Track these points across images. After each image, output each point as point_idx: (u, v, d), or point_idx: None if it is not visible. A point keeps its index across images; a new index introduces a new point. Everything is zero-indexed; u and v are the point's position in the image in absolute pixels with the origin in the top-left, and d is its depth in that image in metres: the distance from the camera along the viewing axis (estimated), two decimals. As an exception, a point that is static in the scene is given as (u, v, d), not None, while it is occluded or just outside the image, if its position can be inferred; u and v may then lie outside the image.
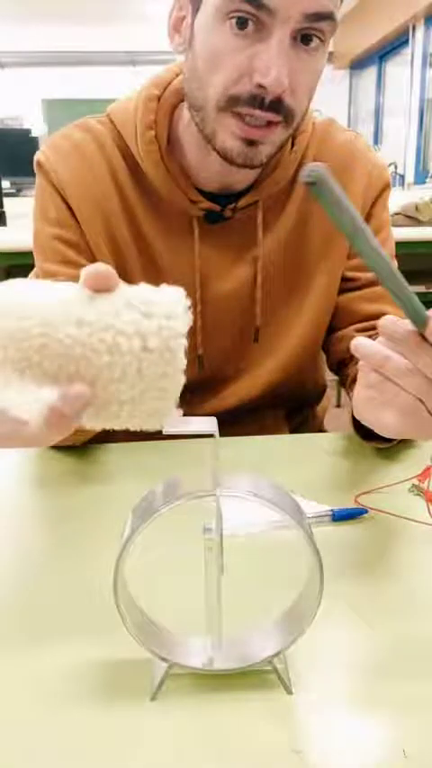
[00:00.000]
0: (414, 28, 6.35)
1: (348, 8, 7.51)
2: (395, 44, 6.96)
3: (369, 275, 0.88)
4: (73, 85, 7.93)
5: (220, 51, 0.66)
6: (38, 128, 6.34)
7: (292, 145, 0.81)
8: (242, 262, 0.84)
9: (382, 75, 7.68)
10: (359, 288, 0.88)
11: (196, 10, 0.68)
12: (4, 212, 3.61)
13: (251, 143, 0.69)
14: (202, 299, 0.83)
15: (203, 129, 0.72)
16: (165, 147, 0.78)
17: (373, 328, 0.87)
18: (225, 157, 0.71)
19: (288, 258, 0.85)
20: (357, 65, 8.20)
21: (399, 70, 7.05)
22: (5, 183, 3.80)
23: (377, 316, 0.87)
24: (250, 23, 0.64)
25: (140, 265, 0.83)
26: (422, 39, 6.28)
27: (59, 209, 0.82)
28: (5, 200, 3.62)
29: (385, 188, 0.87)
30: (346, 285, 0.89)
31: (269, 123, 0.68)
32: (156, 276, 0.82)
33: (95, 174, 0.81)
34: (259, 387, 0.90)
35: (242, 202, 0.80)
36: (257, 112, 0.67)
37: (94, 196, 0.81)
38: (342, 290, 0.89)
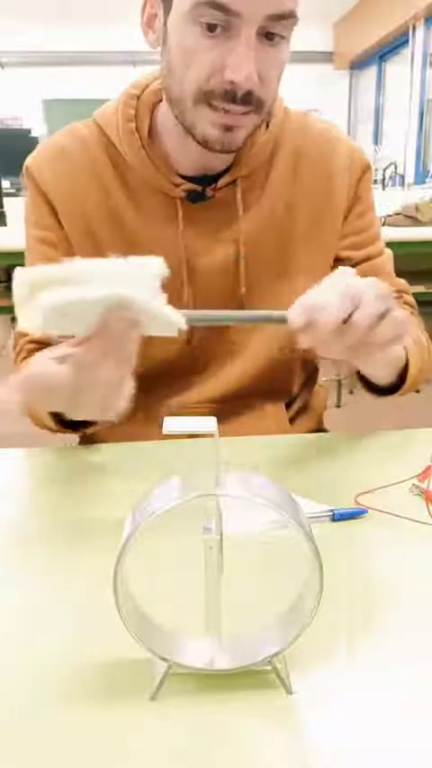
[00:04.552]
0: (414, 28, 6.35)
1: (348, 8, 7.52)
2: (395, 44, 6.96)
3: (361, 253, 0.91)
4: (73, 85, 7.92)
5: (193, 51, 0.71)
6: (38, 128, 6.35)
7: (267, 126, 0.85)
8: (225, 239, 0.86)
9: (382, 75, 7.68)
10: (353, 266, 0.90)
11: (168, 10, 0.72)
12: (4, 212, 3.61)
13: (228, 129, 0.74)
14: (189, 279, 0.86)
15: (183, 121, 0.77)
16: (145, 138, 0.83)
17: None
18: (205, 145, 0.76)
19: (273, 238, 0.87)
20: (357, 65, 8.19)
21: (399, 70, 7.05)
22: (5, 183, 3.82)
23: None
24: (219, 27, 0.69)
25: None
26: (422, 39, 6.28)
27: (43, 212, 0.86)
28: (5, 200, 3.63)
29: (366, 169, 0.91)
30: (341, 265, 0.90)
31: (243, 112, 0.73)
32: None
33: (79, 175, 0.85)
34: (252, 368, 0.91)
35: (221, 182, 0.84)
36: (231, 106, 0.72)
37: (76, 197, 0.85)
38: None
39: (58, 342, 0.86)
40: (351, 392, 3.20)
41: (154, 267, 0.54)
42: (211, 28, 0.68)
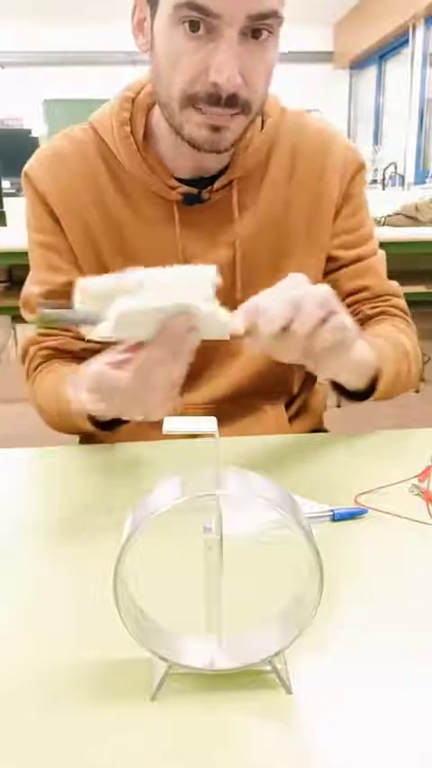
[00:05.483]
0: (414, 28, 6.35)
1: (348, 8, 7.52)
2: (395, 44, 6.96)
3: (352, 253, 0.92)
4: (73, 85, 7.92)
5: (177, 53, 0.71)
6: (38, 128, 6.35)
7: (262, 126, 0.85)
8: (222, 241, 0.87)
9: (382, 75, 7.68)
10: (343, 266, 0.92)
11: (154, 14, 0.73)
12: (4, 212, 3.62)
13: (216, 129, 0.74)
14: None
15: (172, 123, 0.77)
16: (140, 142, 0.83)
17: (355, 303, 0.92)
18: (193, 145, 0.76)
19: (269, 239, 0.87)
20: (357, 65, 8.19)
21: (399, 70, 7.05)
22: (5, 183, 3.82)
23: (358, 290, 0.91)
24: (201, 26, 0.69)
25: (120, 264, 0.85)
26: (422, 39, 6.28)
27: (42, 216, 0.87)
28: (5, 200, 3.63)
29: (359, 168, 0.91)
30: (332, 265, 0.92)
31: (229, 115, 0.73)
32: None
33: (76, 180, 0.85)
34: (252, 368, 0.91)
35: (217, 184, 0.84)
36: (217, 109, 0.72)
37: (74, 202, 0.86)
38: (328, 270, 0.92)
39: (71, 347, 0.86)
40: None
41: (209, 274, 0.57)
42: (193, 29, 0.68)
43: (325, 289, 0.61)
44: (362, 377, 0.79)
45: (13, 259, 2.64)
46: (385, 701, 0.43)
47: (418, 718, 0.41)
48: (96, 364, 0.63)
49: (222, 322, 0.58)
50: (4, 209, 3.60)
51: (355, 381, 0.79)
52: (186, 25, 0.69)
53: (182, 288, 0.57)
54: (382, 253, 0.95)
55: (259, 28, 0.69)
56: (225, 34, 0.68)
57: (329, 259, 0.91)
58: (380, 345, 0.81)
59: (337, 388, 0.82)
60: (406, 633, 0.49)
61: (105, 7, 6.63)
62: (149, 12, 0.73)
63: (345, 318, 0.62)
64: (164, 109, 0.77)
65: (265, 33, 0.70)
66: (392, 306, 0.93)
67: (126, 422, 0.78)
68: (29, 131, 5.67)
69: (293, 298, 0.59)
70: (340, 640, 0.48)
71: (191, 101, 0.72)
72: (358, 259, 0.91)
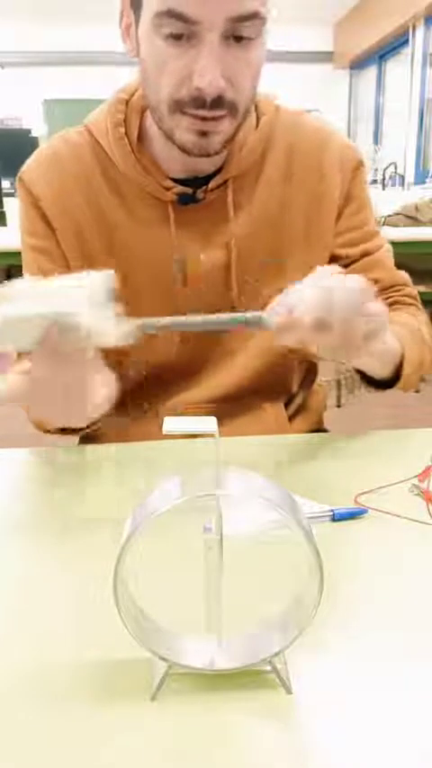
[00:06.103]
0: (414, 28, 6.34)
1: (348, 8, 7.52)
2: (395, 44, 6.96)
3: (358, 250, 0.92)
4: (73, 85, 7.92)
5: (161, 59, 0.71)
6: (38, 128, 6.35)
7: (257, 125, 0.85)
8: (217, 241, 0.87)
9: (382, 75, 7.67)
10: (351, 263, 0.92)
11: (138, 19, 0.73)
12: (4, 212, 3.61)
13: (203, 134, 0.75)
14: (183, 283, 0.86)
15: (162, 128, 0.78)
16: (134, 143, 0.84)
17: None
18: (183, 150, 0.77)
19: (266, 238, 0.87)
20: (357, 65, 8.19)
21: (399, 70, 7.04)
22: (5, 183, 3.82)
23: None
24: (183, 34, 0.69)
25: (113, 266, 0.85)
26: (422, 39, 6.28)
27: (35, 220, 0.87)
28: (5, 200, 3.63)
29: (359, 165, 0.91)
30: (338, 263, 0.91)
31: (215, 117, 0.73)
32: (130, 272, 0.84)
33: (70, 183, 0.85)
34: (251, 367, 0.92)
35: (212, 183, 0.84)
36: (203, 112, 0.72)
37: (68, 206, 0.86)
38: None
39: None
40: (351, 392, 3.20)
41: (99, 280, 0.56)
42: (175, 36, 0.69)
43: (358, 278, 0.61)
44: (386, 365, 0.80)
45: (12, 259, 2.64)
46: (385, 701, 0.43)
47: (418, 718, 0.41)
48: (15, 370, 0.63)
49: (105, 330, 0.56)
50: (4, 209, 3.60)
51: (380, 369, 0.80)
52: (168, 33, 0.69)
53: (65, 296, 0.56)
54: (388, 245, 0.95)
55: (242, 33, 0.69)
56: (206, 39, 0.68)
57: (334, 258, 0.91)
58: (402, 334, 0.82)
59: (362, 376, 0.83)
60: (406, 633, 0.49)
61: (105, 7, 6.62)
62: (134, 17, 0.74)
63: (379, 306, 0.62)
64: (154, 113, 0.78)
65: (247, 35, 0.70)
66: (405, 295, 0.94)
67: (89, 428, 0.78)
68: (28, 131, 5.66)
69: (330, 287, 0.59)
70: (340, 640, 0.48)
71: (178, 105, 0.73)
72: (365, 254, 0.91)
